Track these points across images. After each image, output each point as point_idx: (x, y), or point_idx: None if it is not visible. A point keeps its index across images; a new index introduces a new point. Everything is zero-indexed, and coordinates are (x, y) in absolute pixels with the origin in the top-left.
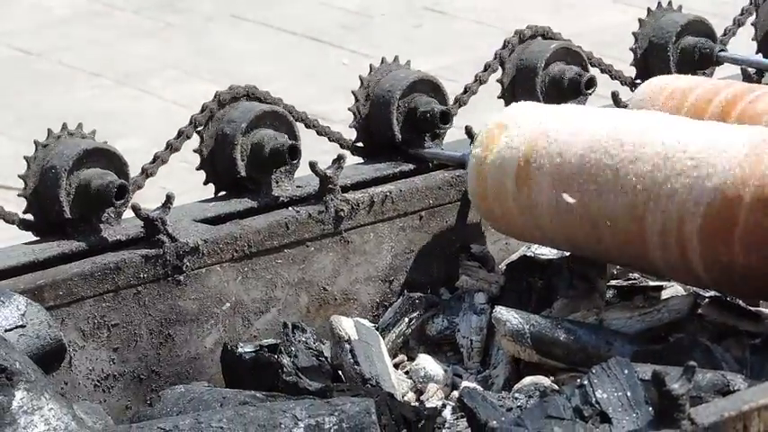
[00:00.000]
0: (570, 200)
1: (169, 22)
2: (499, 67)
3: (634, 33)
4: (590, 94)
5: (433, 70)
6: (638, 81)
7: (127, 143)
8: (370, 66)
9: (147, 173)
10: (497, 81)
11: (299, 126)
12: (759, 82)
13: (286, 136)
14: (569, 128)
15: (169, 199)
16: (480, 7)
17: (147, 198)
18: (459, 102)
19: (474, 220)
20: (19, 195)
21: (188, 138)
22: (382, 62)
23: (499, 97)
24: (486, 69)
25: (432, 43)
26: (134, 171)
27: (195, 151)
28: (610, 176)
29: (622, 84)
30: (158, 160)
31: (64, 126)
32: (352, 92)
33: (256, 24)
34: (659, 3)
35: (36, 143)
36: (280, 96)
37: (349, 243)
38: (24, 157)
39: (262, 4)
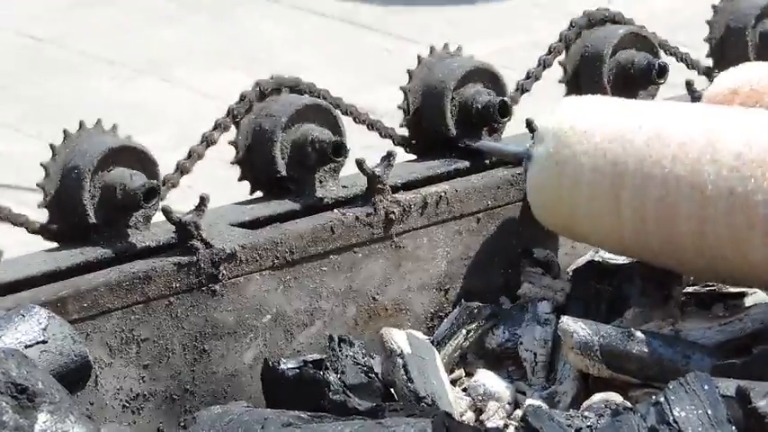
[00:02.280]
0: None
1: (195, 6)
2: (563, 51)
3: (708, 22)
4: (662, 83)
5: (486, 56)
6: (716, 71)
7: (150, 138)
8: (418, 57)
9: (181, 170)
10: (560, 63)
11: (345, 120)
12: None
13: (330, 132)
14: (645, 127)
15: (203, 201)
16: None
17: (171, 199)
18: (522, 89)
19: (537, 222)
20: (39, 207)
21: (225, 130)
22: (431, 52)
23: (561, 81)
24: (550, 52)
25: (483, 26)
26: (163, 168)
27: (231, 143)
28: (695, 185)
29: (698, 72)
30: (194, 155)
31: (81, 124)
32: (401, 88)
33: (289, 8)
34: None
35: (52, 147)
36: (319, 86)
37: (400, 248)
38: (41, 164)
39: None
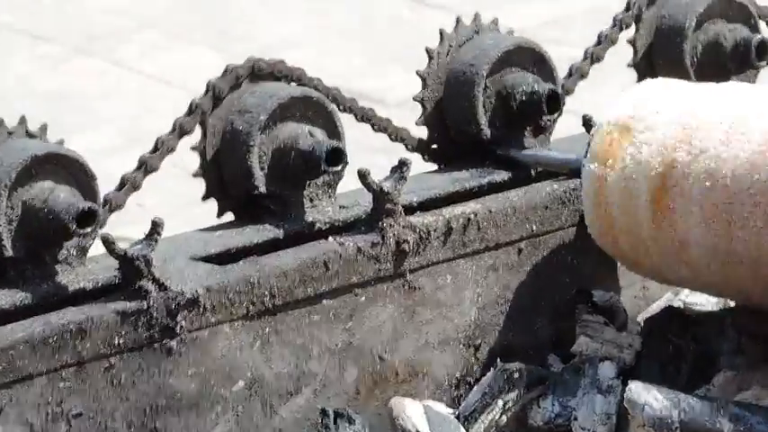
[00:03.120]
0: None
1: None
2: (632, 24)
3: None
4: (763, 65)
5: (530, 28)
6: None
7: (88, 140)
8: (441, 33)
9: (129, 186)
10: (628, 42)
11: (344, 118)
12: None
13: (324, 133)
14: (726, 127)
15: (156, 227)
16: None
17: (120, 221)
18: (577, 73)
19: (597, 254)
20: None
21: (187, 133)
22: (457, 23)
23: (630, 65)
24: (614, 25)
25: None
26: (103, 181)
27: (194, 149)
28: None
29: None
30: (143, 168)
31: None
32: (418, 72)
33: None
34: None
35: None
36: (312, 70)
37: (416, 290)
38: None
39: None
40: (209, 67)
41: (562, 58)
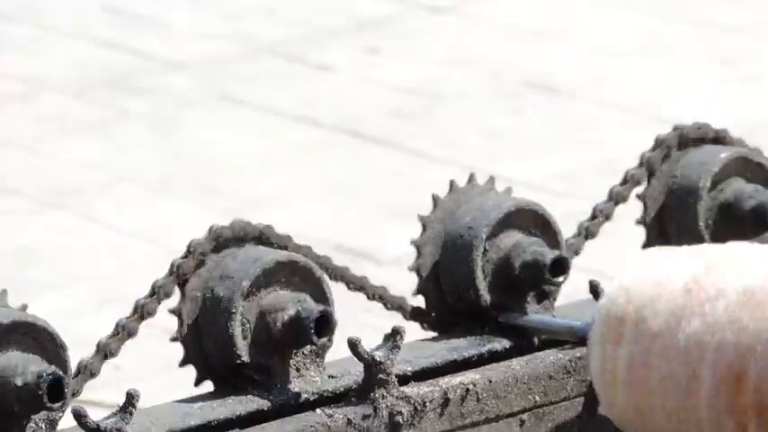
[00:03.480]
0: None
1: (126, 110)
2: (645, 180)
3: None
4: None
5: (539, 180)
6: None
7: (58, 300)
8: (434, 198)
9: (103, 353)
10: (638, 197)
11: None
12: None
13: (310, 299)
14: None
15: (131, 399)
16: (612, 79)
17: (95, 386)
18: (586, 232)
19: (606, 426)
20: None
21: (166, 296)
22: (451, 186)
23: (639, 222)
24: (625, 182)
25: (535, 138)
26: (76, 343)
27: (172, 312)
28: None
29: None
30: (122, 333)
31: None
32: (419, 217)
33: (258, 111)
34: None
35: None
36: (296, 226)
37: None
38: None
39: (267, 79)
40: (190, 222)
41: (571, 213)
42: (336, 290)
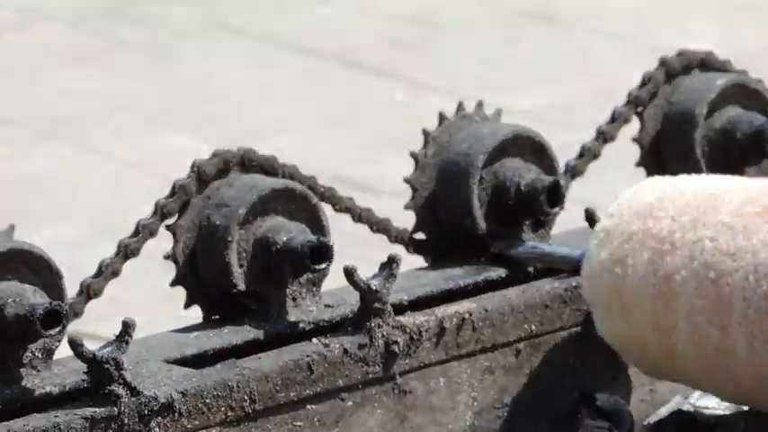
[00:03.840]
0: None
1: (123, 40)
2: (634, 117)
3: None
4: None
5: (536, 111)
6: None
7: (57, 232)
8: (440, 115)
9: (89, 292)
10: (633, 140)
11: (329, 211)
12: None
13: (307, 228)
14: (729, 221)
15: (127, 328)
16: (611, 9)
17: (90, 317)
18: (590, 153)
19: (601, 354)
20: None
21: (151, 235)
22: (458, 109)
23: (638, 165)
24: (613, 120)
25: (534, 67)
26: (75, 274)
27: (166, 258)
28: None
29: None
30: (119, 257)
31: None
32: (411, 153)
33: (257, 40)
34: None
35: None
36: (294, 156)
37: (406, 394)
38: None
39: (266, 9)
40: (188, 152)
41: (570, 143)
42: (340, 221)
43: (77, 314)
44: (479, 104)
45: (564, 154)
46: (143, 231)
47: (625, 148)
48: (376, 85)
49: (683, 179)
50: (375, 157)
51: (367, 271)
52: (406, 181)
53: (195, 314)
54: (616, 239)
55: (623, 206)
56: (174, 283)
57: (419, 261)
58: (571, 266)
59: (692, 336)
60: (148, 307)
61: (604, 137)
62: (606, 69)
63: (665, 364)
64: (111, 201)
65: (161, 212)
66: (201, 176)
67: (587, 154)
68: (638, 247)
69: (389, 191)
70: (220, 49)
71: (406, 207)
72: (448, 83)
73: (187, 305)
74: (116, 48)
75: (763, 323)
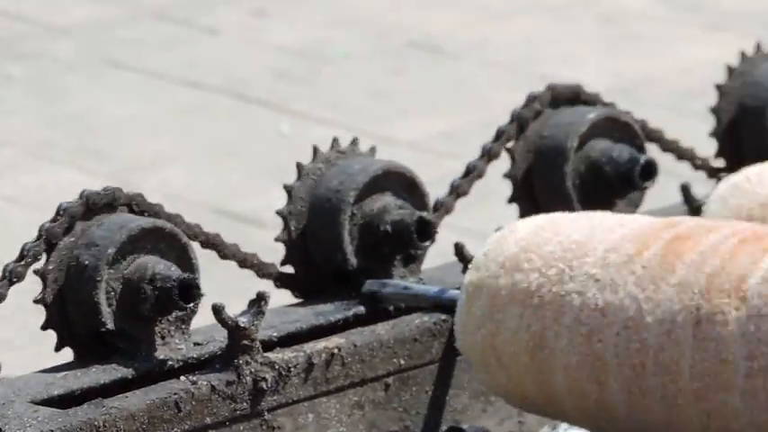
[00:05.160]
0: None
1: (8, 74)
2: (515, 137)
3: (714, 110)
4: (648, 187)
5: (424, 141)
6: (723, 174)
7: None
8: (314, 149)
9: None
10: (505, 176)
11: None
12: None
13: (175, 267)
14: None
15: None
16: (496, 42)
17: None
18: (456, 191)
19: (470, 387)
20: None
21: (35, 259)
22: (333, 144)
23: (511, 201)
24: (497, 139)
25: (421, 98)
26: None
27: (36, 273)
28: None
29: (707, 174)
30: (4, 282)
31: None
32: (284, 186)
33: (142, 74)
34: (758, 45)
35: None
36: (178, 190)
37: (275, 430)
38: None
39: (152, 43)
40: (72, 187)
41: (456, 173)
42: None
43: (448, 210)
44: (354, 141)
45: (446, 181)
46: (27, 255)
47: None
48: (262, 118)
49: (549, 222)
50: (260, 189)
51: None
52: (278, 213)
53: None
54: (484, 295)
55: (489, 257)
56: (44, 327)
57: (291, 297)
58: (441, 307)
59: (570, 391)
60: (17, 346)
61: (489, 155)
62: (493, 99)
63: (549, 412)
64: None
65: (43, 239)
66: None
67: (473, 172)
68: (507, 302)
69: (273, 223)
70: (106, 84)
71: (277, 239)
72: (334, 114)
73: (57, 348)
74: (0, 83)
75: (638, 379)
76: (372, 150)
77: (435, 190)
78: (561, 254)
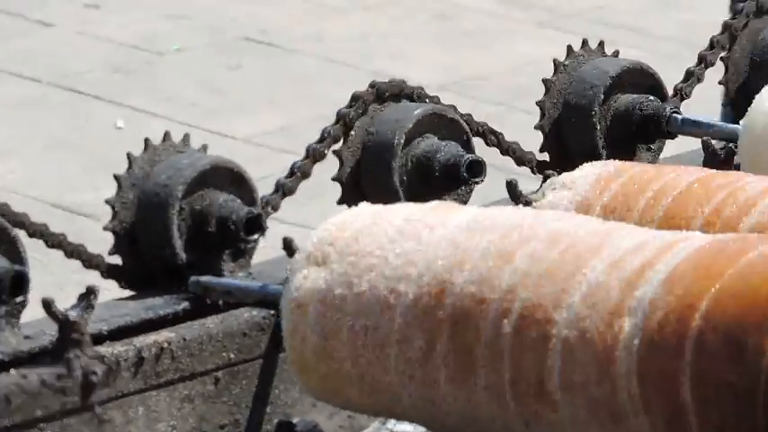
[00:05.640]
0: None
1: None
2: (341, 135)
3: (539, 103)
4: (476, 183)
5: (258, 135)
6: (554, 171)
7: None
8: (145, 141)
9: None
10: (334, 154)
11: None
12: (728, 163)
13: (6, 260)
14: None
15: None
16: (332, 37)
17: None
18: (282, 190)
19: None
20: None
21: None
22: (165, 137)
23: (334, 179)
24: (322, 140)
25: (255, 93)
26: None
27: None
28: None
29: (532, 170)
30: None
31: None
32: (114, 176)
33: None
34: (584, 41)
35: None
36: (14, 183)
37: (106, 423)
38: None
39: None
40: None
41: (280, 165)
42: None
43: (275, 208)
44: (186, 137)
45: (280, 175)
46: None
47: None
48: (97, 112)
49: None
50: (95, 182)
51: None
52: (107, 202)
53: None
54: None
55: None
56: None
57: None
58: (266, 303)
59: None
60: None
61: (314, 156)
62: (330, 94)
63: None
64: None
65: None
66: None
67: (297, 172)
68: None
69: (108, 217)
70: None
71: (105, 228)
72: (169, 109)
73: None
74: None
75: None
76: (204, 147)
77: (267, 186)
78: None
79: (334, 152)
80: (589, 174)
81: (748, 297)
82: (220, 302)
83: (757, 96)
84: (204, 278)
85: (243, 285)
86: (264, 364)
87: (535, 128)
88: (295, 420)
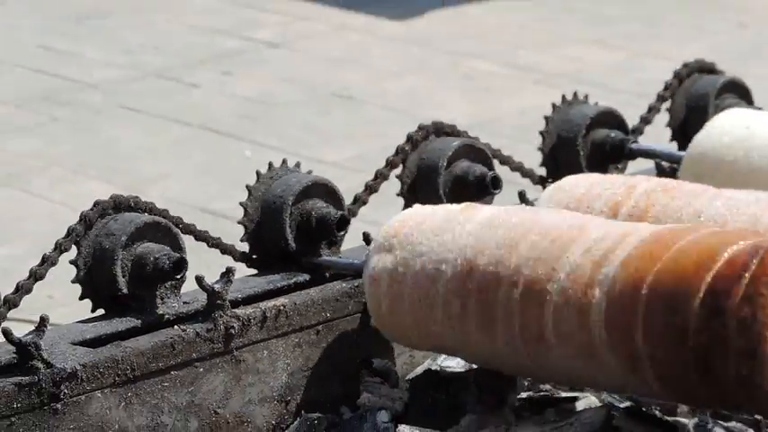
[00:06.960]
0: None
1: (54, 116)
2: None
3: (542, 132)
4: (497, 192)
5: (342, 161)
6: (549, 180)
7: (9, 250)
8: (269, 165)
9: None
10: (397, 177)
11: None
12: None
13: (169, 249)
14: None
15: (43, 321)
16: (390, 92)
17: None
18: (360, 201)
19: (376, 333)
20: None
21: (65, 251)
22: (269, 168)
23: (398, 195)
24: (387, 165)
25: (340, 132)
26: (13, 279)
27: (71, 263)
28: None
29: (533, 182)
30: (33, 277)
31: None
32: (246, 186)
33: (149, 116)
34: (563, 97)
35: None
36: (175, 195)
37: (241, 362)
38: None
39: (154, 94)
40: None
41: (358, 182)
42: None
43: (354, 213)
44: (297, 164)
45: (358, 189)
46: (59, 247)
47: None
48: (231, 146)
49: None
50: (230, 194)
51: (214, 276)
52: (241, 204)
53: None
54: (383, 250)
55: (388, 234)
56: (81, 298)
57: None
58: (355, 272)
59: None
60: (69, 303)
61: (383, 176)
62: (390, 133)
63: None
64: (48, 229)
65: (72, 234)
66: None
67: (367, 191)
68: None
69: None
70: (124, 123)
71: (239, 222)
72: (282, 143)
73: (93, 309)
74: (49, 122)
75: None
76: (297, 164)
77: (349, 196)
78: (436, 227)
79: (397, 176)
80: (578, 181)
81: (679, 273)
82: (326, 275)
83: (695, 136)
84: (313, 259)
85: (339, 261)
86: (359, 319)
87: (537, 149)
88: (373, 360)
